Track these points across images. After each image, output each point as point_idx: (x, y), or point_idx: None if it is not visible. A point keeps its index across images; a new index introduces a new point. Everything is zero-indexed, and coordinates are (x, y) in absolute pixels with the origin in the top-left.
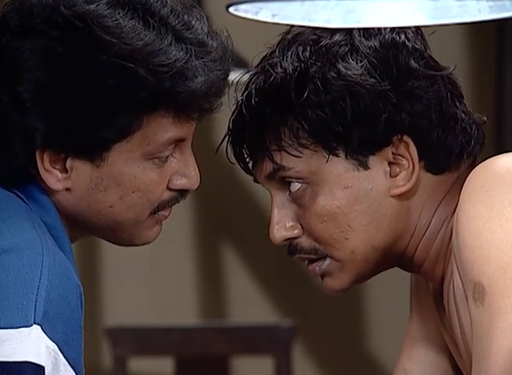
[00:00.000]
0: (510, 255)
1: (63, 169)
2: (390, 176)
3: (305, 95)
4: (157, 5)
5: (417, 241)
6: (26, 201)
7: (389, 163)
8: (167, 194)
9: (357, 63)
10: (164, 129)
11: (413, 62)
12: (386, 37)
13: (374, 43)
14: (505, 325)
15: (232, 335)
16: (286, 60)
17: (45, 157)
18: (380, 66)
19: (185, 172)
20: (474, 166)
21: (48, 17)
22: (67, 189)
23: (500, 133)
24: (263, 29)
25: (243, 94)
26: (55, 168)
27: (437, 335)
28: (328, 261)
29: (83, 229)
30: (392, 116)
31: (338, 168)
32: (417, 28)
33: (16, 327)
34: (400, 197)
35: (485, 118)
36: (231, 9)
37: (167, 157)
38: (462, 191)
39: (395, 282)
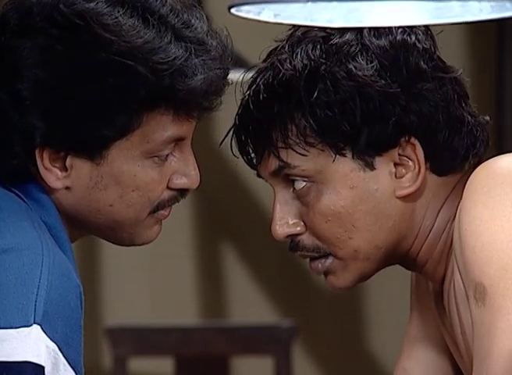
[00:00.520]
0: (511, 256)
1: (63, 168)
2: (396, 177)
3: (315, 94)
4: (156, 4)
5: (421, 241)
6: (25, 200)
7: (395, 164)
8: (167, 194)
9: (367, 64)
10: (163, 127)
11: (423, 63)
12: (397, 37)
13: (384, 43)
14: (506, 325)
15: (232, 335)
16: (296, 57)
17: (45, 155)
18: (390, 67)
19: (185, 171)
20: (477, 166)
21: (47, 15)
22: (67, 188)
23: (500, 133)
24: (264, 29)
25: (250, 89)
26: (54, 166)
27: (437, 335)
28: (330, 259)
29: (83, 228)
30: (400, 117)
31: (344, 168)
32: (427, 29)
33: (16, 327)
34: (405, 198)
35: (488, 118)
36: (233, 10)
37: (167, 156)
38: (464, 192)
39: (395, 282)
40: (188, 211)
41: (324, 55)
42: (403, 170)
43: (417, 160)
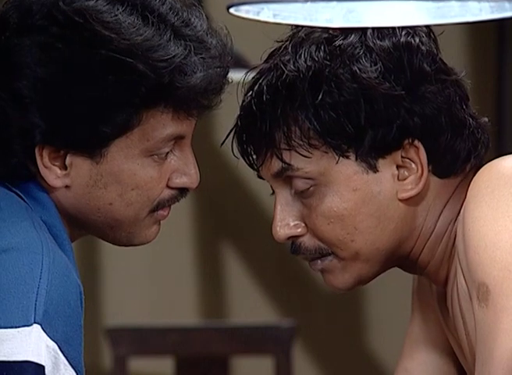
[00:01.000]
0: None
1: (63, 166)
2: (398, 179)
3: (319, 96)
4: (156, 3)
5: (422, 243)
6: (25, 200)
7: (398, 167)
8: (167, 193)
9: (371, 66)
10: (163, 125)
11: (426, 65)
12: (401, 39)
13: (388, 45)
14: (509, 326)
15: (232, 335)
16: (299, 58)
17: (44, 153)
18: (394, 70)
19: (185, 170)
20: (479, 168)
21: (47, 13)
22: (66, 186)
23: (500, 133)
24: (264, 29)
25: (252, 90)
26: (54, 165)
27: (440, 336)
28: (330, 257)
29: (83, 228)
30: (405, 120)
31: (347, 170)
32: (430, 30)
33: (17, 327)
34: (407, 200)
35: (486, 119)
36: (232, 10)
37: (167, 154)
38: (468, 192)
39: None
40: (188, 211)
41: (328, 57)
42: (406, 173)
43: (420, 163)
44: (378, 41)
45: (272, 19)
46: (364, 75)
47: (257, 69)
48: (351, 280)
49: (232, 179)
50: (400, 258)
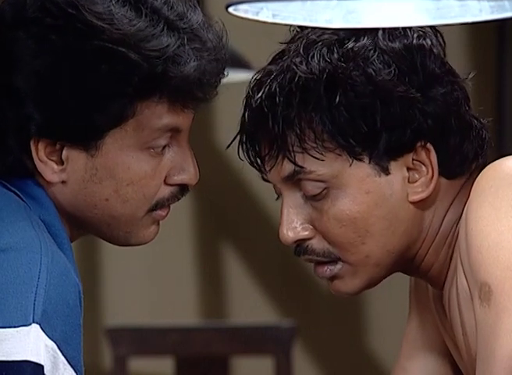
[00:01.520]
0: None
1: (59, 161)
2: (408, 182)
3: (336, 98)
4: None
5: (427, 246)
6: (24, 199)
7: (408, 169)
8: (166, 191)
9: (385, 68)
10: (158, 116)
11: (437, 68)
12: (414, 41)
13: (401, 47)
14: (511, 326)
15: (232, 335)
16: (312, 60)
17: (40, 147)
18: (408, 72)
19: (183, 166)
20: (482, 168)
21: (40, 6)
22: (63, 182)
23: (500, 133)
24: (265, 30)
25: (262, 92)
26: (50, 159)
27: (437, 336)
28: (340, 265)
29: (81, 226)
30: (419, 123)
31: (360, 173)
32: (437, 32)
33: (15, 326)
34: (417, 203)
35: (486, 120)
36: (230, 9)
37: (164, 148)
38: (471, 192)
39: (395, 282)
40: (188, 211)
41: (342, 59)
42: (416, 175)
43: (431, 165)
44: (391, 43)
45: (271, 19)
46: (379, 77)
47: (264, 71)
48: (360, 284)
49: (232, 179)
50: (407, 261)
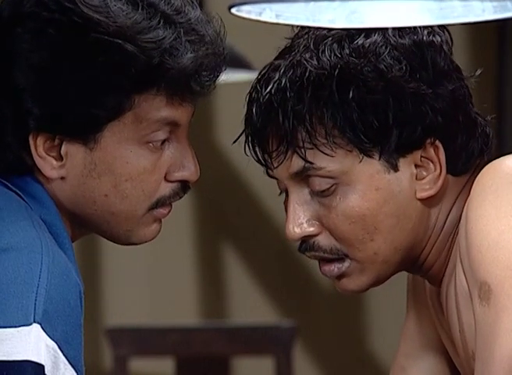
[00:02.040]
0: None
1: (58, 157)
2: (416, 179)
3: (349, 94)
4: None
5: (432, 243)
6: (25, 199)
7: (416, 166)
8: (167, 188)
9: (395, 64)
10: (156, 108)
11: (446, 64)
12: (424, 38)
13: (411, 43)
14: (510, 325)
15: (232, 335)
16: (323, 55)
17: (39, 142)
18: (419, 68)
19: (183, 162)
20: (484, 166)
21: (37, 0)
22: (62, 178)
23: (501, 132)
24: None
25: (271, 87)
26: (49, 155)
27: (434, 334)
28: (347, 263)
29: (82, 225)
30: (430, 119)
31: (370, 169)
32: (446, 30)
33: (16, 326)
34: (425, 200)
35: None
36: (233, 10)
37: (163, 143)
38: (471, 191)
39: (395, 282)
40: (188, 211)
41: (354, 54)
42: (424, 172)
43: (439, 162)
44: (401, 40)
45: (274, 20)
46: (391, 73)
47: (272, 66)
48: (368, 282)
49: (233, 178)
50: (413, 259)
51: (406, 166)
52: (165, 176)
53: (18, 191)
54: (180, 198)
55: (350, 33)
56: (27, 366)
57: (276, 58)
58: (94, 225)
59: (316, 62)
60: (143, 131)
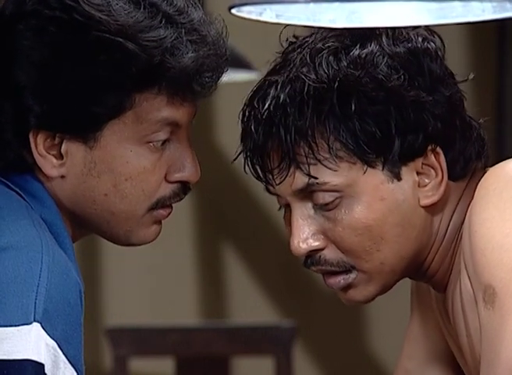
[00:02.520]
0: None
1: (58, 156)
2: (419, 186)
3: (351, 106)
4: None
5: (435, 249)
6: (25, 198)
7: (418, 173)
8: (167, 189)
9: (393, 74)
10: (157, 108)
11: (441, 71)
12: (419, 45)
13: (406, 51)
14: None
15: (232, 335)
16: (320, 68)
17: (39, 140)
18: (416, 76)
19: (183, 162)
20: (483, 169)
21: None
22: (62, 177)
23: (500, 133)
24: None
25: (269, 103)
26: (49, 154)
27: (439, 337)
28: (354, 274)
29: (82, 224)
30: (431, 126)
31: (374, 180)
32: (437, 35)
33: (16, 325)
34: (428, 207)
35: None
36: (234, 11)
37: (163, 144)
38: (475, 195)
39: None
40: (188, 211)
41: (352, 66)
42: (426, 179)
43: (441, 168)
44: (396, 48)
45: (275, 20)
46: (390, 83)
47: (267, 82)
48: (374, 292)
49: (233, 179)
50: (417, 266)
51: (408, 174)
52: (165, 177)
53: (18, 191)
54: (181, 199)
55: (345, 45)
56: (27, 365)
57: (270, 74)
58: (94, 225)
59: (314, 76)
60: (143, 131)
